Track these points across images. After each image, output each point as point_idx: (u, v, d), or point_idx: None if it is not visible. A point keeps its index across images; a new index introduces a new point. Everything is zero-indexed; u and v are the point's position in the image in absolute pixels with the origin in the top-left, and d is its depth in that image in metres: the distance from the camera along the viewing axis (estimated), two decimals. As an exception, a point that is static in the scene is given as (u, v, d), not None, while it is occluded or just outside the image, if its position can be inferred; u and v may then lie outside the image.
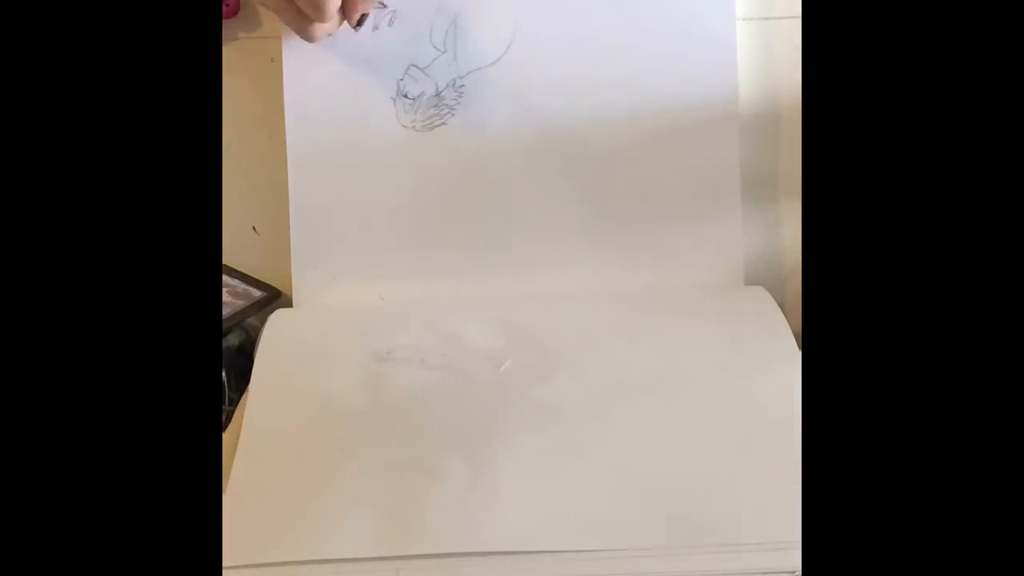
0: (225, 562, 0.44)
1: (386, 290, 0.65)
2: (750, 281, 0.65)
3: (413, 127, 0.64)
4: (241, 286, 0.65)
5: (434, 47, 0.63)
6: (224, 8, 0.64)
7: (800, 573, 0.44)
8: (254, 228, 0.66)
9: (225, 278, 0.65)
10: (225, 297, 0.63)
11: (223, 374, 0.59)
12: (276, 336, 0.61)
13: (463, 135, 0.64)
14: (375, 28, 0.63)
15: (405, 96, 0.64)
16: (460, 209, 0.64)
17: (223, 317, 0.62)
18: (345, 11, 0.60)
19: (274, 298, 0.65)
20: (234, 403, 0.59)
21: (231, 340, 0.63)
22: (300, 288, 0.64)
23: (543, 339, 0.60)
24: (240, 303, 0.64)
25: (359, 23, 0.60)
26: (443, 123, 0.64)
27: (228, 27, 0.65)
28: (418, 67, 0.63)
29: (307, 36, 0.60)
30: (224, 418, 0.58)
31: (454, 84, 0.64)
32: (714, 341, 0.59)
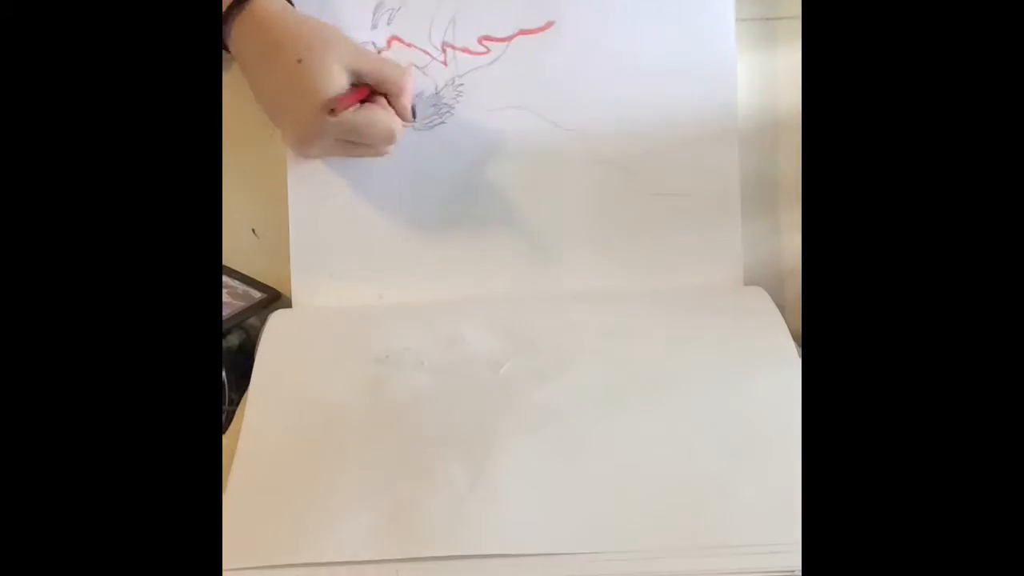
0: (225, 564, 0.44)
1: (385, 291, 0.65)
2: (749, 282, 0.65)
3: (412, 126, 0.64)
4: (241, 287, 0.65)
5: (433, 45, 0.63)
6: None
7: (799, 573, 0.44)
8: (254, 231, 0.66)
9: (225, 279, 0.65)
10: (225, 298, 0.63)
11: (223, 374, 0.59)
12: (276, 337, 0.61)
13: (462, 134, 0.64)
14: (374, 27, 0.63)
15: (404, 95, 0.64)
16: (459, 209, 0.64)
17: (223, 318, 0.62)
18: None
19: (274, 299, 0.65)
20: (234, 403, 0.59)
21: (231, 340, 0.63)
22: (299, 289, 0.64)
23: (542, 341, 0.60)
24: (240, 304, 0.64)
25: (413, 116, 0.62)
26: (442, 122, 0.64)
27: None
28: (417, 66, 0.63)
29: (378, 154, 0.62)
30: (224, 418, 0.58)
31: (453, 83, 0.64)
32: (713, 342, 0.59)
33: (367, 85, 0.59)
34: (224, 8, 0.58)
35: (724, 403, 0.54)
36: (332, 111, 0.57)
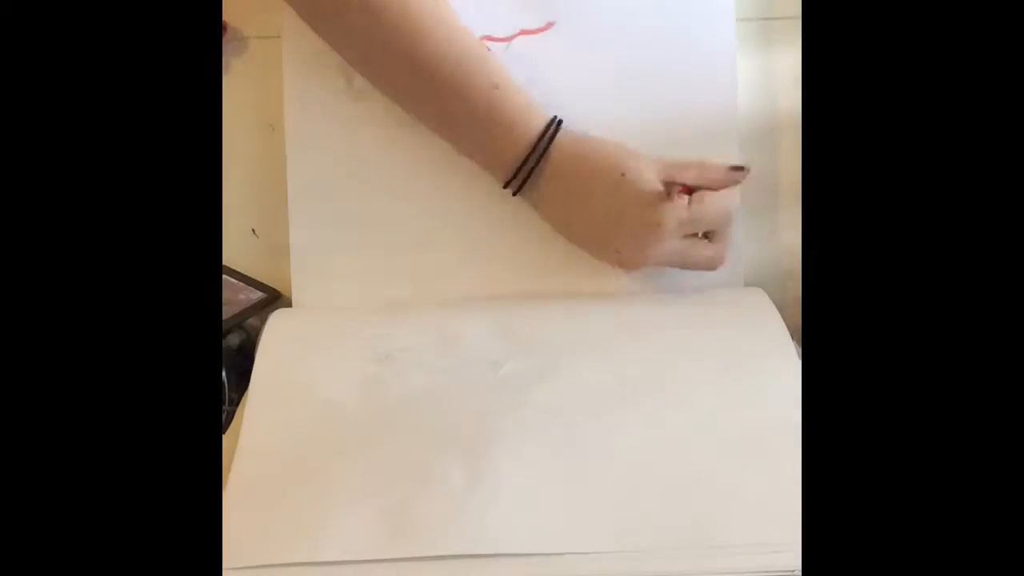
0: (225, 564, 0.44)
1: (385, 291, 0.65)
2: (749, 282, 0.65)
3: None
4: (241, 287, 0.65)
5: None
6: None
7: (799, 573, 0.44)
8: (254, 231, 0.66)
9: (225, 279, 0.65)
10: (225, 298, 0.63)
11: (223, 374, 0.59)
12: (276, 336, 0.61)
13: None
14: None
15: (405, 95, 0.63)
16: (460, 209, 0.64)
17: (223, 318, 0.62)
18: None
19: (274, 299, 0.65)
20: (234, 403, 0.59)
21: (231, 340, 0.63)
22: (299, 289, 0.64)
23: (542, 341, 0.60)
24: (240, 304, 0.64)
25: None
26: (443, 122, 0.64)
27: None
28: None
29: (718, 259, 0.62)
30: (224, 418, 0.58)
31: (453, 84, 0.64)
32: (712, 342, 0.59)
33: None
34: (519, 165, 0.60)
35: (724, 403, 0.54)
36: (668, 192, 0.58)
